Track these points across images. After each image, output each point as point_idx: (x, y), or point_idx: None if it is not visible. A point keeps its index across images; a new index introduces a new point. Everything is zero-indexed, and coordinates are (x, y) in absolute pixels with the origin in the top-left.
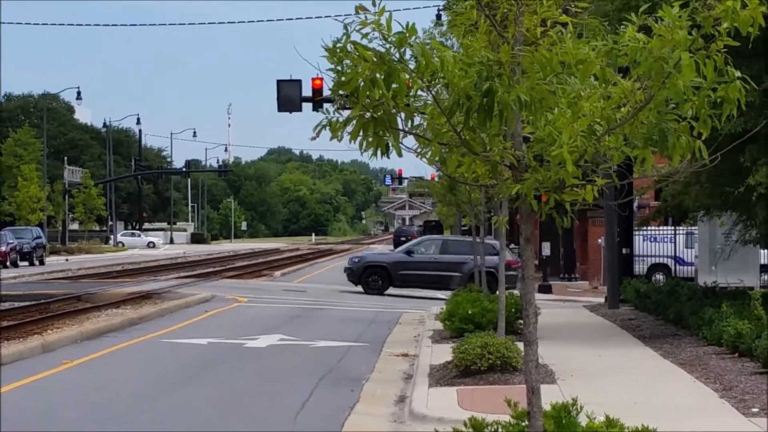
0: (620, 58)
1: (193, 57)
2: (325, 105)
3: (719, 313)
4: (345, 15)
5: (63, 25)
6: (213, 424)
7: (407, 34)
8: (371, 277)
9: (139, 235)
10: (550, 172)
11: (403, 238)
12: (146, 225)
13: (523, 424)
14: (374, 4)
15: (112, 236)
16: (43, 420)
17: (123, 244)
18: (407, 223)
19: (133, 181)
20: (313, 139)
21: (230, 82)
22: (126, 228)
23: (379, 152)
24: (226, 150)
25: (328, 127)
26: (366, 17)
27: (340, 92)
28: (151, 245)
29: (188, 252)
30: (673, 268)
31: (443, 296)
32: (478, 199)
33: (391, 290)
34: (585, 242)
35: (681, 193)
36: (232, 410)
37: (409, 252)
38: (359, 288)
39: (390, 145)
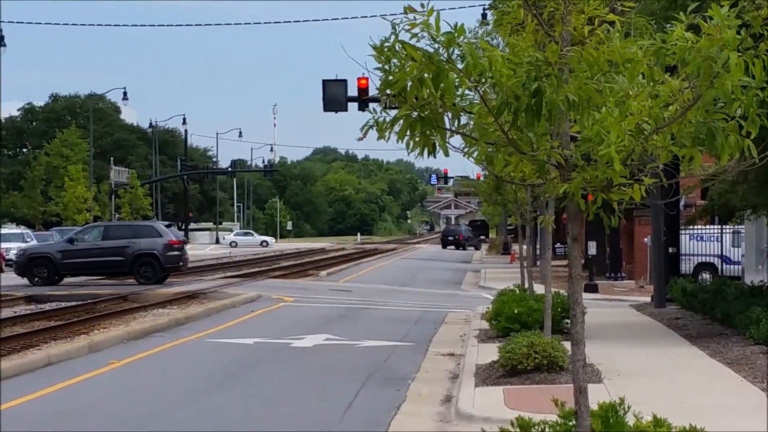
0: (668, 57)
1: (239, 57)
2: (371, 105)
3: (766, 312)
4: (392, 14)
5: (109, 25)
6: (259, 423)
7: (456, 34)
8: (36, 269)
9: (252, 234)
10: (597, 171)
11: (451, 237)
12: (192, 225)
13: (571, 423)
14: (423, 6)
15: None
16: (89, 419)
17: (236, 244)
18: (453, 222)
19: (179, 181)
20: (361, 139)
21: (276, 82)
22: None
23: (425, 152)
24: (271, 150)
25: (375, 127)
26: (414, 17)
27: (387, 92)
28: (264, 244)
29: (234, 252)
30: (719, 267)
31: (490, 296)
32: (524, 199)
33: (436, 287)
34: (631, 241)
35: (728, 192)
36: (277, 409)
37: (71, 240)
38: (406, 287)
39: (437, 144)
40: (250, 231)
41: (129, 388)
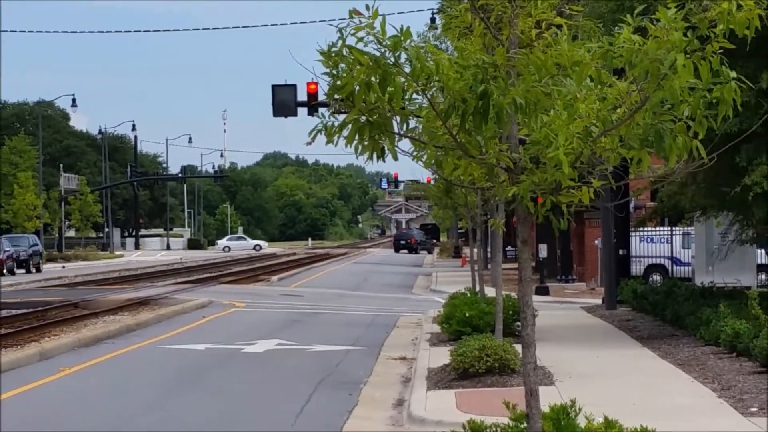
0: (616, 60)
1: (188, 62)
2: (321, 109)
3: (717, 313)
4: (340, 19)
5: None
6: (211, 429)
7: (402, 38)
8: None
9: (246, 239)
10: (546, 174)
11: (403, 241)
12: (143, 231)
13: (522, 426)
14: (368, 8)
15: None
16: (41, 426)
17: (229, 249)
18: (404, 226)
19: (129, 187)
20: (309, 144)
21: (226, 87)
22: (123, 235)
23: (374, 156)
24: (221, 155)
25: (323, 132)
26: (360, 21)
27: (336, 96)
28: (257, 248)
29: (185, 258)
30: (670, 268)
31: (441, 299)
32: (475, 202)
33: (388, 292)
34: (582, 244)
35: (677, 194)
36: (230, 415)
37: None
38: (358, 291)
39: (386, 148)
40: (243, 236)
41: (82, 396)
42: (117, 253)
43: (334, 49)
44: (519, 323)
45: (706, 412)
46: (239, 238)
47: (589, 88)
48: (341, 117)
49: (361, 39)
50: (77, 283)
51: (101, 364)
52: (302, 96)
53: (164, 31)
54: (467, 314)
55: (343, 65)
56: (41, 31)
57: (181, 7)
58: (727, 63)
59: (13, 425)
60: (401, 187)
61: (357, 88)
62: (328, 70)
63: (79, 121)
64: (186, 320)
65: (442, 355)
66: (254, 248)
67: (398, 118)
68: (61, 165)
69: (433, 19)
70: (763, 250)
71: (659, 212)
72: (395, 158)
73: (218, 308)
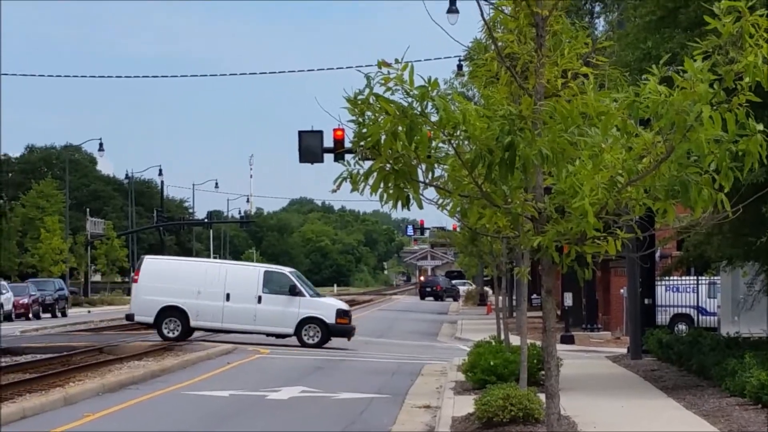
0: (642, 111)
1: (215, 107)
2: (347, 156)
3: (742, 364)
4: (366, 65)
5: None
6: None
7: (430, 88)
8: None
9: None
10: (571, 223)
11: (429, 288)
12: None
13: None
14: (397, 61)
15: None
16: None
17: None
18: (429, 273)
19: (156, 232)
20: (334, 191)
21: (252, 133)
22: None
23: (399, 204)
24: (247, 201)
25: (348, 180)
26: (389, 72)
27: (362, 144)
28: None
29: None
30: (695, 318)
31: (466, 347)
32: (500, 250)
33: (413, 339)
34: (607, 292)
35: (703, 243)
36: None
37: None
38: (383, 338)
39: (410, 197)
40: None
41: None
42: None
43: (360, 96)
44: (543, 372)
45: None
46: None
47: (615, 138)
48: (367, 164)
49: (389, 88)
50: (102, 328)
51: (125, 410)
52: (328, 142)
53: (192, 76)
54: (492, 363)
55: (369, 113)
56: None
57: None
58: (752, 115)
59: None
60: (427, 234)
61: (383, 136)
62: (354, 118)
63: (105, 166)
64: (210, 366)
65: (466, 404)
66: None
67: (423, 167)
68: (88, 209)
69: (460, 66)
70: None
71: (685, 262)
72: (420, 207)
73: (243, 354)
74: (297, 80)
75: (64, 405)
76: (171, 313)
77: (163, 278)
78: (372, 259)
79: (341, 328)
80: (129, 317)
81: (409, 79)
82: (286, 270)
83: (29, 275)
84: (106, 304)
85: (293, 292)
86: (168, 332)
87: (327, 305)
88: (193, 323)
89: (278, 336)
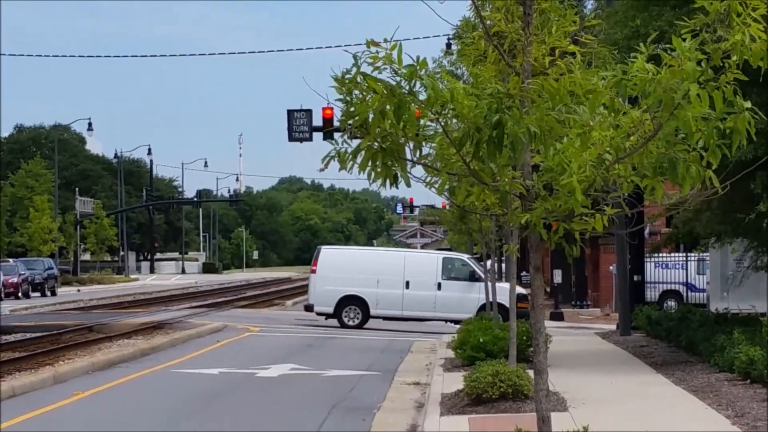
0: (629, 89)
1: (204, 87)
2: (336, 135)
3: (731, 340)
4: (355, 45)
5: (73, 56)
6: None
7: (418, 67)
8: None
9: None
10: (559, 201)
11: None
12: (158, 255)
13: None
14: (386, 41)
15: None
16: None
17: None
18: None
19: (145, 211)
20: (322, 170)
21: (241, 112)
22: (138, 259)
23: (387, 182)
24: (237, 180)
25: (336, 159)
26: (377, 51)
27: (349, 123)
28: None
29: (200, 282)
30: (684, 294)
31: (456, 325)
32: (489, 228)
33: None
34: (597, 269)
35: (692, 220)
36: None
37: None
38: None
39: (398, 175)
40: None
41: (95, 420)
42: (132, 276)
43: (348, 75)
44: (532, 349)
45: None
46: None
47: (603, 116)
48: (355, 142)
49: (377, 68)
50: (92, 307)
51: (115, 388)
52: (318, 121)
53: (180, 55)
54: (481, 340)
55: (357, 92)
56: (57, 56)
57: (200, 33)
58: (740, 92)
59: None
60: (416, 212)
61: (371, 115)
62: (342, 97)
63: (94, 145)
64: (200, 344)
65: (455, 381)
66: None
67: (411, 145)
68: (77, 189)
69: (448, 45)
70: None
71: (674, 238)
72: (408, 185)
73: (232, 333)
74: (286, 60)
75: (53, 383)
76: (351, 302)
77: (341, 268)
78: (362, 237)
79: (521, 311)
80: (308, 308)
81: (398, 58)
82: (465, 256)
83: (18, 254)
84: (96, 283)
85: (473, 278)
86: (348, 320)
87: (506, 290)
88: (373, 312)
89: (457, 322)
